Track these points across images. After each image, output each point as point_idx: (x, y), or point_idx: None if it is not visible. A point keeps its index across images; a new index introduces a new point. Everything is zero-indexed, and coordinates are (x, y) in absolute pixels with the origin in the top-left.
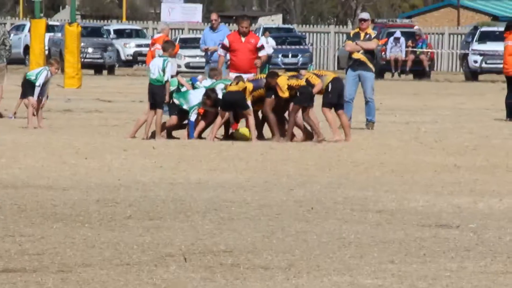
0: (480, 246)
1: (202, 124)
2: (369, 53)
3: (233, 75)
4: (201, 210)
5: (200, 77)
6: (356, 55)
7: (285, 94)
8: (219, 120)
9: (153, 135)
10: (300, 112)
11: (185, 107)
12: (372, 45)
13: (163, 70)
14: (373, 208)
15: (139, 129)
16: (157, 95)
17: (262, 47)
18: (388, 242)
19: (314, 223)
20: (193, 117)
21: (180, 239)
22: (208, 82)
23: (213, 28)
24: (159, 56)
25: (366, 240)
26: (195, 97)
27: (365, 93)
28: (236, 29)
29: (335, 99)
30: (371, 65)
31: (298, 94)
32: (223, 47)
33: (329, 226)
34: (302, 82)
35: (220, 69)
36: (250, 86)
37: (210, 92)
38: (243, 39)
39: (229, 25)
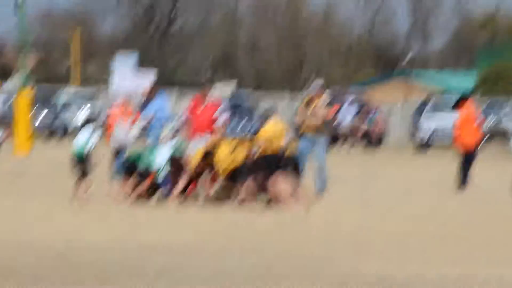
0: None
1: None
2: (321, 120)
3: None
4: (154, 272)
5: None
6: (308, 122)
7: (221, 173)
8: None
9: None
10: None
11: (151, 168)
12: (323, 112)
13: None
14: (326, 275)
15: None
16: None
17: (221, 114)
18: None
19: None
20: (160, 178)
21: None
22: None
23: (148, 99)
24: None
25: None
26: (161, 158)
27: (317, 160)
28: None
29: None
30: (323, 132)
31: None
32: (186, 111)
33: None
34: (245, 153)
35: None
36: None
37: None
38: (203, 105)
39: (181, 91)
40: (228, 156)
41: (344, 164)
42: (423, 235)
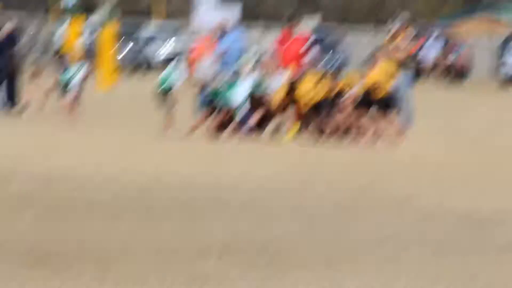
0: None
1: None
2: (404, 57)
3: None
4: (240, 206)
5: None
6: (392, 59)
7: (304, 108)
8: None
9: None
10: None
11: (229, 105)
12: (402, 55)
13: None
14: (413, 206)
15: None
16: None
17: (311, 45)
18: (427, 241)
19: (353, 221)
20: (239, 116)
21: (219, 233)
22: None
23: (223, 33)
24: None
25: (406, 237)
26: (239, 96)
27: (403, 95)
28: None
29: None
30: (408, 67)
31: (319, 108)
32: (273, 44)
33: (368, 224)
34: (324, 94)
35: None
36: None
37: (253, 96)
38: (291, 38)
39: (266, 24)
40: (311, 90)
41: (429, 99)
42: (510, 167)
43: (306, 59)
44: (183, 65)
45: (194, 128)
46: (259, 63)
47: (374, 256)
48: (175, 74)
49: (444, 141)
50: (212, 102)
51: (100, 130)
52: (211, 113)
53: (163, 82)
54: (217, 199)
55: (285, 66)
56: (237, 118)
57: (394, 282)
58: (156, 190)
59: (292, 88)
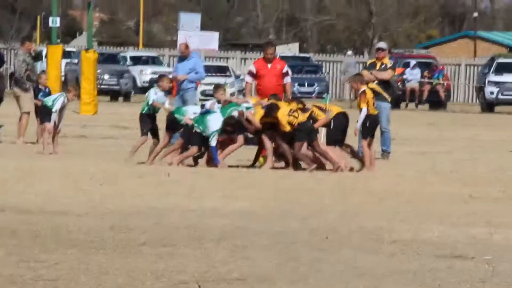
0: (495, 277)
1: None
2: (384, 83)
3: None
4: (215, 237)
5: (209, 103)
6: (371, 86)
7: (286, 128)
8: (236, 146)
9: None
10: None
11: (205, 134)
12: (386, 75)
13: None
14: (388, 238)
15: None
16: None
17: (287, 73)
18: (403, 273)
19: (329, 252)
20: (213, 142)
21: (193, 266)
22: (217, 106)
23: (183, 58)
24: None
25: (381, 270)
26: (214, 122)
27: (380, 123)
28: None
29: (338, 135)
30: (386, 95)
31: (297, 131)
32: (250, 74)
33: (344, 256)
34: (303, 118)
35: (248, 95)
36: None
37: (229, 120)
38: (269, 65)
39: (245, 52)
40: (286, 117)
41: (409, 125)
42: (487, 197)
43: (284, 86)
44: (161, 92)
45: (165, 155)
46: (238, 91)
47: None
48: (152, 100)
49: (421, 171)
50: (171, 124)
51: (77, 159)
52: (187, 142)
53: (142, 108)
54: (192, 230)
55: (263, 93)
56: (212, 144)
57: None
58: (129, 224)
59: (266, 114)
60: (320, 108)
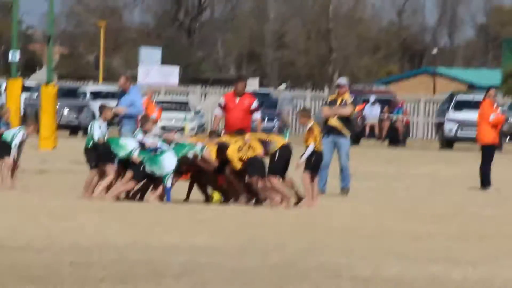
0: None
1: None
2: (344, 119)
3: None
4: (175, 274)
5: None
6: (331, 122)
7: (238, 166)
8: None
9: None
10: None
11: (157, 173)
12: (347, 111)
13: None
14: (347, 275)
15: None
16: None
17: (256, 109)
18: None
19: None
20: (169, 183)
21: None
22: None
23: (124, 91)
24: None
25: None
26: (169, 162)
27: (340, 160)
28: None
29: (280, 166)
30: (346, 132)
31: (249, 166)
32: (219, 106)
33: None
34: (252, 153)
35: (216, 128)
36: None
37: (184, 160)
38: (237, 99)
39: (205, 87)
40: (236, 154)
41: (368, 161)
42: (446, 235)
43: (253, 120)
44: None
45: (119, 193)
46: (197, 126)
47: None
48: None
49: (380, 207)
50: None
51: (38, 193)
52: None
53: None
54: (152, 266)
55: (233, 127)
56: (168, 184)
57: None
58: (89, 259)
59: (217, 155)
60: (262, 141)
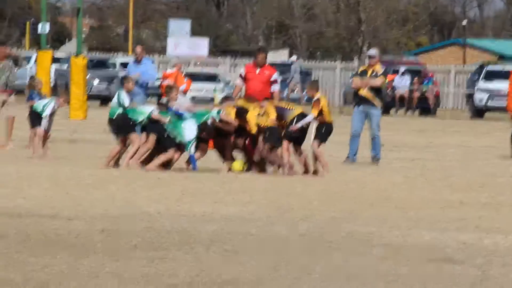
0: (485, 282)
1: (197, 155)
2: (375, 90)
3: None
4: (206, 242)
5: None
6: (362, 92)
7: (254, 129)
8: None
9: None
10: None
11: (178, 140)
12: (377, 82)
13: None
14: (378, 243)
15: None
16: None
17: (275, 81)
18: (393, 277)
19: (319, 257)
20: (192, 150)
21: (184, 270)
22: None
23: (137, 61)
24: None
25: (371, 275)
26: (190, 130)
27: (371, 130)
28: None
29: (296, 134)
30: (377, 102)
31: (267, 134)
32: (240, 76)
33: (334, 260)
34: (271, 122)
35: (235, 98)
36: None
37: (204, 127)
38: (257, 70)
39: (235, 59)
40: (255, 119)
41: (399, 131)
42: (477, 204)
43: (272, 94)
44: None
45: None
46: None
47: None
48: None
49: (410, 177)
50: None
51: (67, 164)
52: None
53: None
54: (183, 235)
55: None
56: (191, 153)
57: None
58: (120, 228)
59: (237, 116)
60: (280, 108)
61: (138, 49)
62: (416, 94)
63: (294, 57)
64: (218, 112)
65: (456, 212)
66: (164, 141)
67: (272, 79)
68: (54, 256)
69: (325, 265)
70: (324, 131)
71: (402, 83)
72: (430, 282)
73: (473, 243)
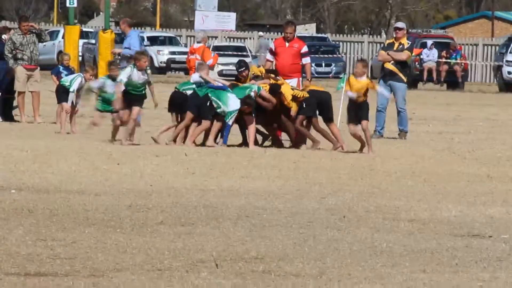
0: None
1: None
2: (400, 63)
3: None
4: (233, 216)
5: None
6: (387, 66)
7: (290, 104)
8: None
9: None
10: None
11: (219, 110)
12: (403, 56)
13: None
14: (405, 217)
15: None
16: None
17: (306, 54)
18: (420, 251)
19: (346, 232)
20: (231, 121)
21: (211, 245)
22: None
23: (124, 35)
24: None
25: (398, 249)
26: (234, 102)
27: (396, 103)
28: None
29: (311, 112)
30: (402, 76)
31: (304, 105)
32: (270, 51)
33: (361, 235)
34: (305, 94)
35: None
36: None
37: (248, 99)
38: (287, 44)
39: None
40: (290, 92)
41: (427, 104)
42: (505, 177)
43: (303, 66)
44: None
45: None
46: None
47: (367, 268)
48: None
49: (438, 151)
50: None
51: (94, 139)
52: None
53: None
54: (210, 209)
55: (280, 71)
56: (229, 123)
57: None
58: (147, 203)
59: (271, 92)
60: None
61: (121, 25)
62: (444, 68)
63: (261, 33)
64: (259, 88)
65: (484, 186)
66: (203, 111)
67: (302, 51)
68: (82, 231)
69: (352, 240)
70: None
71: (430, 57)
72: (458, 257)
73: (500, 217)
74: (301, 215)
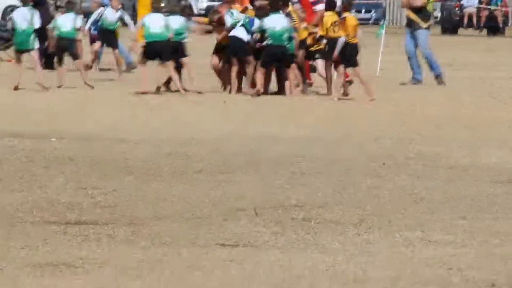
0: None
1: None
2: (417, 10)
3: None
4: (272, 164)
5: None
6: (408, 14)
7: (320, 31)
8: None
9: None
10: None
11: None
12: (417, 2)
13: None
14: (445, 164)
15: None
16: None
17: (318, 1)
18: (460, 198)
19: (386, 179)
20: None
21: (251, 194)
22: None
23: None
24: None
25: (438, 196)
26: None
27: (420, 50)
28: None
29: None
30: (421, 22)
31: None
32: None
33: (401, 182)
34: (339, 34)
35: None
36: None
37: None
38: None
39: None
40: (328, 24)
41: (467, 50)
42: None
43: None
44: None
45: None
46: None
47: (407, 215)
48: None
49: (478, 96)
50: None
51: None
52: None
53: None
54: (249, 157)
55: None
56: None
57: (427, 240)
58: (187, 151)
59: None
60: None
61: None
62: (485, 13)
63: None
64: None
65: None
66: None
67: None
68: (122, 179)
69: (392, 187)
70: (347, 53)
71: (470, 2)
72: (498, 203)
73: None
74: (340, 163)
